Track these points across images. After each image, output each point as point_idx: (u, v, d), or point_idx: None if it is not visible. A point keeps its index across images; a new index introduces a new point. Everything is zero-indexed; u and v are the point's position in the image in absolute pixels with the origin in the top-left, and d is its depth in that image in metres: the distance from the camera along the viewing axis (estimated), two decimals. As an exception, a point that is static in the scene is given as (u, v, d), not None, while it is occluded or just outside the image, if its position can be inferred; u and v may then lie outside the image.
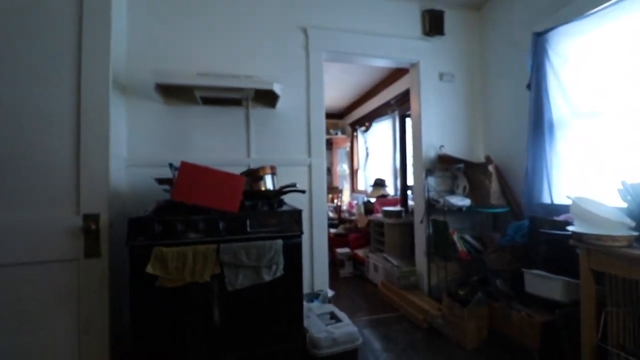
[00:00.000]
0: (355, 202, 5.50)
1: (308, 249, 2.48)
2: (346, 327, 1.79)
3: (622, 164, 1.91)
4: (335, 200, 5.65)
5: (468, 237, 2.63)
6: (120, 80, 2.08)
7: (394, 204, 4.01)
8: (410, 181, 3.77)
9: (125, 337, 1.59)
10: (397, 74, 4.07)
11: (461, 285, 2.43)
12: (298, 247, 1.65)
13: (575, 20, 2.15)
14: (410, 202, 3.70)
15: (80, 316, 1.50)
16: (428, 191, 2.77)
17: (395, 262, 2.97)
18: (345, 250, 3.90)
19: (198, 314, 1.52)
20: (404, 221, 3.34)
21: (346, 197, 6.09)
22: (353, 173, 6.18)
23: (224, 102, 2.30)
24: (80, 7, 1.54)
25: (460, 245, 2.56)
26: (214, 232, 1.53)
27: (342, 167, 6.40)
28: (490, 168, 2.60)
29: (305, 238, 2.44)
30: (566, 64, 2.23)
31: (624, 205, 1.60)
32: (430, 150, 2.83)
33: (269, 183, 1.99)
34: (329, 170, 6.38)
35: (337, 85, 4.79)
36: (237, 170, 2.12)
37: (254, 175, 1.95)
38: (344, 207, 5.46)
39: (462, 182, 2.78)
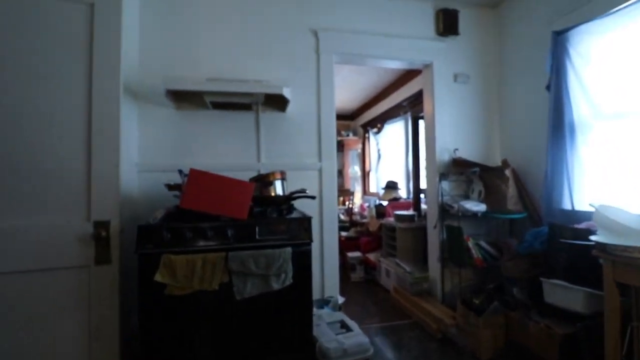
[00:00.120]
0: (367, 204, 5.44)
1: (318, 255, 2.44)
2: (357, 336, 1.75)
3: (649, 169, 1.81)
4: (347, 203, 5.60)
5: (483, 244, 2.55)
6: (132, 86, 2.09)
7: (406, 207, 3.94)
8: (423, 184, 3.70)
9: (134, 341, 1.59)
10: (409, 74, 4.00)
11: (476, 293, 2.36)
12: (307, 255, 1.62)
13: (597, 19, 2.06)
14: (423, 206, 3.63)
15: (91, 322, 1.51)
16: (442, 196, 2.70)
17: (407, 267, 2.90)
18: (357, 254, 3.85)
19: (206, 321, 1.51)
20: (416, 225, 3.27)
21: (358, 199, 6.03)
22: (365, 175, 6.12)
23: (234, 106, 2.29)
24: (91, 15, 1.55)
25: (475, 252, 2.48)
26: (222, 240, 1.52)
27: (354, 169, 6.34)
28: (507, 172, 2.51)
29: (315, 243, 2.40)
30: (588, 64, 2.13)
31: (652, 213, 1.51)
32: (444, 154, 2.76)
33: (278, 188, 1.97)
34: (340, 172, 6.33)
35: (348, 87, 4.75)
36: (247, 175, 2.11)
37: (264, 181, 1.94)
38: (356, 210, 5.41)
39: (478, 187, 2.70)
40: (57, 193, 1.48)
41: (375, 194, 5.31)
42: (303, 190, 1.98)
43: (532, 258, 2.17)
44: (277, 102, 2.32)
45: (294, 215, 1.82)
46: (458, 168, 2.75)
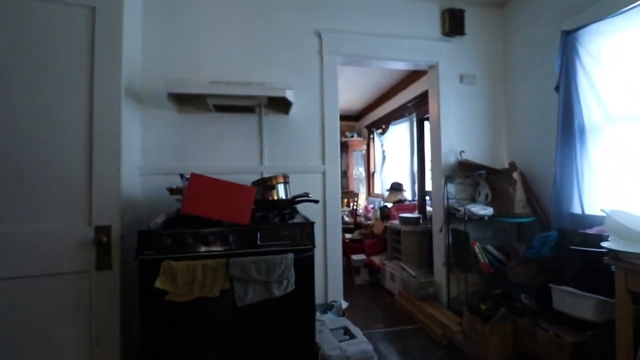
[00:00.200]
0: (371, 206, 5.40)
1: (322, 259, 2.42)
2: (360, 344, 1.71)
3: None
4: (352, 204, 5.57)
5: (490, 248, 2.50)
6: (135, 89, 2.08)
7: (411, 209, 3.90)
8: (428, 186, 3.65)
9: (135, 347, 1.57)
10: (415, 75, 3.95)
11: (483, 298, 2.31)
12: (310, 261, 1.59)
13: (609, 18, 2.00)
14: (429, 208, 3.59)
15: (92, 328, 1.50)
16: (447, 199, 2.65)
17: (412, 271, 2.86)
18: (361, 257, 3.82)
19: (208, 328, 1.49)
20: (421, 229, 3.23)
21: (362, 200, 5.99)
22: (369, 176, 6.07)
23: (237, 109, 2.28)
24: (93, 19, 1.54)
25: (482, 257, 2.43)
26: (223, 245, 1.50)
27: (358, 171, 6.30)
28: (515, 175, 2.46)
29: (319, 247, 2.39)
30: (599, 64, 2.08)
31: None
32: (449, 156, 2.71)
33: (281, 192, 1.94)
34: (345, 174, 6.30)
35: (352, 87, 4.71)
36: (250, 178, 2.10)
37: (266, 185, 1.91)
38: (360, 211, 5.37)
39: (484, 190, 2.64)
40: (58, 198, 1.47)
41: (380, 196, 5.26)
42: (306, 194, 1.95)
43: (541, 263, 2.11)
44: (280, 105, 2.30)
45: (297, 219, 1.79)
46: (464, 170, 2.70)
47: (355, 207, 5.38)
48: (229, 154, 2.33)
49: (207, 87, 1.95)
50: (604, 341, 1.60)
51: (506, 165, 2.68)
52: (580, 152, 2.14)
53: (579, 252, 1.80)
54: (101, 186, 1.52)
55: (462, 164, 2.67)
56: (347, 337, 1.82)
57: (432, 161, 2.90)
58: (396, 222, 3.50)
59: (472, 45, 2.80)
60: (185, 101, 2.23)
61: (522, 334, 2.04)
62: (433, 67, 2.77)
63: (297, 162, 2.43)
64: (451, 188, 2.70)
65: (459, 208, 2.55)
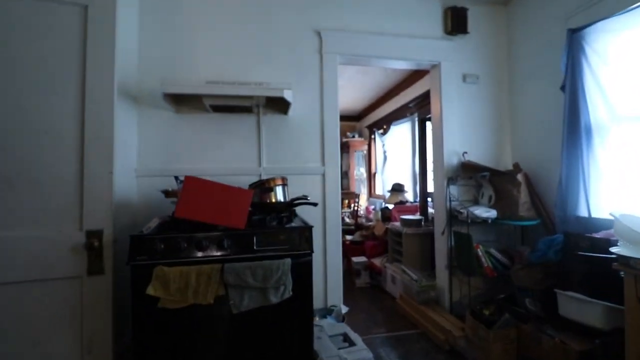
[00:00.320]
0: (372, 207, 5.35)
1: (321, 263, 2.37)
2: (360, 352, 1.67)
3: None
4: (353, 205, 5.52)
5: (494, 252, 2.44)
6: (131, 90, 2.05)
7: (413, 211, 3.85)
8: (430, 188, 3.60)
9: (127, 352, 1.53)
10: (416, 75, 3.90)
11: (486, 303, 2.26)
12: (308, 266, 1.54)
13: (616, 15, 1.94)
14: (431, 210, 3.53)
15: (84, 335, 1.46)
16: (450, 200, 2.60)
17: (414, 275, 2.81)
18: (362, 259, 3.76)
19: (202, 335, 1.45)
20: (423, 231, 3.17)
21: (363, 201, 5.94)
22: (370, 177, 6.02)
23: (235, 109, 2.23)
24: (85, 18, 1.50)
25: (485, 260, 2.38)
26: (218, 250, 1.46)
27: (360, 171, 6.25)
28: (519, 177, 2.40)
29: (318, 251, 2.35)
30: (606, 63, 2.02)
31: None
32: (452, 157, 2.66)
33: (279, 195, 1.90)
34: (346, 174, 6.25)
35: (353, 87, 4.66)
36: (249, 180, 2.05)
37: (264, 187, 1.87)
38: (361, 212, 5.31)
39: (488, 192, 2.59)
40: (48, 201, 1.43)
41: (381, 197, 5.21)
42: (305, 197, 1.91)
43: (546, 268, 2.06)
44: (279, 105, 2.26)
45: (295, 223, 1.75)
46: (467, 172, 2.65)
47: (356, 208, 5.32)
48: (227, 156, 2.29)
49: (203, 87, 1.91)
50: (613, 350, 1.55)
51: (510, 167, 2.62)
52: (586, 153, 2.08)
53: (586, 257, 1.74)
54: (92, 189, 1.48)
55: (465, 165, 2.61)
56: (347, 344, 1.77)
57: (434, 162, 2.84)
58: (397, 223, 3.45)
59: (475, 44, 2.74)
60: (182, 101, 2.20)
61: (526, 340, 1.99)
62: (435, 66, 2.72)
63: (296, 163, 2.39)
64: (453, 190, 2.64)
65: (461, 210, 2.50)
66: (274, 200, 1.86)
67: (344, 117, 6.37)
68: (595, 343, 1.64)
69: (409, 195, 4.38)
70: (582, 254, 1.76)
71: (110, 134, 1.52)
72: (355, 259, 3.75)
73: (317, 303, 2.33)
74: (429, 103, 2.96)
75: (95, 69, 1.50)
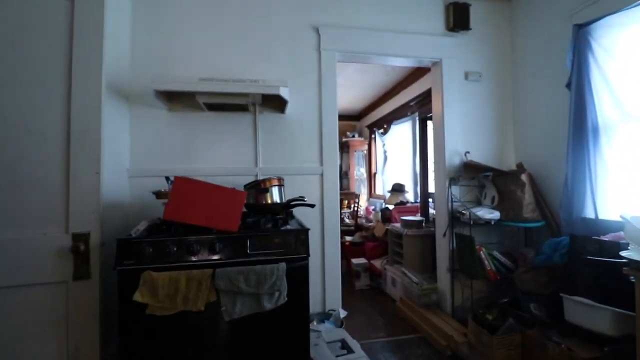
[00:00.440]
0: (372, 207, 5.28)
1: (319, 266, 2.30)
2: (358, 359, 1.60)
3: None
4: (353, 206, 5.45)
5: (497, 254, 2.37)
6: (123, 88, 1.98)
7: (413, 212, 3.78)
8: (431, 188, 3.53)
9: (114, 360, 1.47)
10: (418, 73, 3.83)
11: (489, 307, 2.19)
12: (304, 270, 1.48)
13: (624, 10, 1.87)
14: (432, 211, 3.46)
15: (69, 343, 1.40)
16: (452, 201, 2.53)
17: (414, 278, 2.74)
18: (362, 260, 3.69)
19: (193, 343, 1.38)
20: (424, 232, 3.10)
21: (363, 202, 5.87)
22: (371, 177, 5.95)
23: (230, 107, 2.16)
24: (71, 11, 1.44)
25: (488, 263, 2.31)
26: (210, 255, 1.39)
27: (360, 171, 6.18)
28: (523, 177, 2.33)
29: (316, 253, 2.29)
30: (613, 59, 1.95)
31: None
32: (454, 157, 2.59)
33: (275, 196, 1.83)
34: (346, 174, 6.18)
35: (353, 86, 4.59)
36: (244, 180, 1.99)
37: (259, 188, 1.80)
38: (361, 213, 5.25)
39: (491, 192, 2.52)
40: (32, 203, 1.37)
41: (382, 197, 5.14)
42: (301, 198, 1.84)
43: (551, 271, 1.99)
44: (276, 103, 2.19)
45: (292, 225, 1.68)
46: (469, 172, 2.58)
47: (356, 208, 5.26)
48: (223, 155, 2.23)
49: (196, 84, 1.84)
50: (622, 358, 1.49)
51: (514, 167, 2.55)
52: (593, 153, 2.01)
53: (595, 261, 1.67)
54: (79, 190, 1.42)
55: (467, 165, 2.54)
56: (345, 351, 1.71)
57: (435, 162, 2.77)
58: (398, 224, 3.38)
59: (478, 40, 2.67)
60: (176, 99, 2.13)
61: (531, 345, 1.92)
62: (437, 63, 2.65)
63: (293, 163, 2.32)
64: (455, 190, 2.57)
65: (463, 211, 2.43)
66: (269, 201, 1.79)
67: (343, 117, 6.31)
68: (604, 351, 1.58)
69: (409, 196, 4.31)
70: (591, 258, 1.68)
71: (97, 132, 1.46)
72: (354, 261, 3.68)
73: (315, 307, 2.26)
74: (430, 102, 2.89)
75: (82, 64, 1.45)
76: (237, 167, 2.23)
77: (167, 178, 1.62)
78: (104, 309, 1.45)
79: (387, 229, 3.62)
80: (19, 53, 1.38)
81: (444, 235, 2.57)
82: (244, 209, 1.77)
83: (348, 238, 4.34)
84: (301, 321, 1.47)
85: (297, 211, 2.01)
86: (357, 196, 5.42)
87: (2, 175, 1.32)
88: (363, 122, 6.40)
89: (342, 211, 5.39)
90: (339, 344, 1.77)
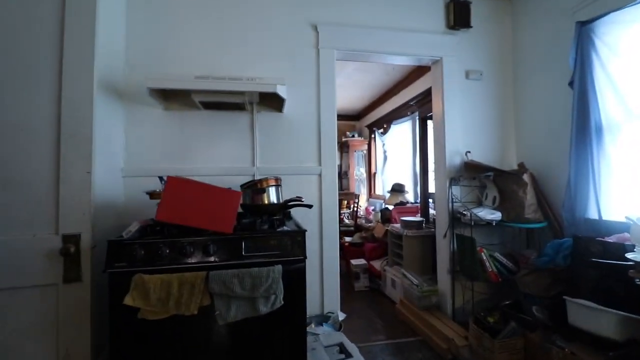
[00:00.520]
0: (372, 208, 5.24)
1: (318, 267, 2.26)
2: (357, 365, 1.56)
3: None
4: (352, 206, 5.41)
5: (498, 256, 2.33)
6: (118, 86, 1.95)
7: (413, 212, 3.74)
8: (431, 188, 3.49)
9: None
10: (418, 72, 3.79)
11: (490, 310, 2.15)
12: (301, 273, 1.44)
13: (628, 6, 1.83)
14: (432, 211, 3.42)
15: (59, 347, 1.36)
16: (452, 202, 2.49)
17: (414, 279, 2.70)
18: (361, 261, 3.65)
19: (185, 347, 1.34)
20: (424, 233, 3.06)
21: (363, 202, 5.83)
22: (370, 177, 5.91)
23: (227, 106, 2.12)
24: (62, 5, 1.41)
25: (489, 265, 2.27)
26: (203, 257, 1.35)
27: (359, 171, 6.14)
28: (525, 177, 2.29)
29: (314, 255, 2.25)
30: (617, 57, 1.91)
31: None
32: (454, 156, 2.55)
33: (272, 196, 1.79)
34: (346, 174, 6.14)
35: (352, 85, 4.55)
36: (241, 180, 1.95)
37: (256, 188, 1.76)
38: (361, 213, 5.21)
39: (492, 193, 2.48)
40: (21, 204, 1.33)
41: (381, 197, 5.10)
42: (299, 198, 1.80)
43: (554, 273, 1.95)
44: (274, 102, 2.15)
45: (289, 226, 1.64)
46: (470, 172, 2.53)
47: (355, 208, 5.22)
48: (219, 155, 2.19)
49: (191, 82, 1.80)
50: (628, 363, 1.44)
51: (515, 167, 2.52)
52: (596, 152, 1.97)
53: (599, 263, 1.63)
54: (70, 190, 1.38)
55: (468, 165, 2.50)
56: (343, 355, 1.67)
57: (435, 162, 2.73)
58: (397, 225, 3.34)
59: (479, 38, 2.63)
60: (171, 98, 2.09)
61: (533, 350, 1.88)
62: (437, 62, 2.61)
63: (292, 163, 2.28)
64: (456, 190, 2.53)
65: (464, 212, 2.39)
66: (266, 202, 1.75)
67: (343, 117, 6.28)
68: (609, 356, 1.53)
69: (409, 196, 4.27)
70: (597, 261, 1.64)
71: (88, 130, 1.43)
72: (354, 262, 3.64)
73: (314, 309, 2.22)
74: (430, 101, 2.85)
75: (73, 60, 1.41)
76: (234, 167, 2.19)
77: (161, 178, 1.58)
78: (96, 313, 1.41)
79: (386, 230, 3.58)
80: (6, 46, 1.34)
81: (445, 236, 2.53)
82: (240, 210, 1.74)
83: (347, 239, 4.30)
84: (298, 325, 1.43)
85: (295, 212, 1.97)
86: (357, 196, 5.38)
87: (-8, 174, 1.28)
88: (363, 122, 6.36)
89: (342, 211, 5.35)
90: (337, 348, 1.73)
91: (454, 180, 2.52)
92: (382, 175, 5.40)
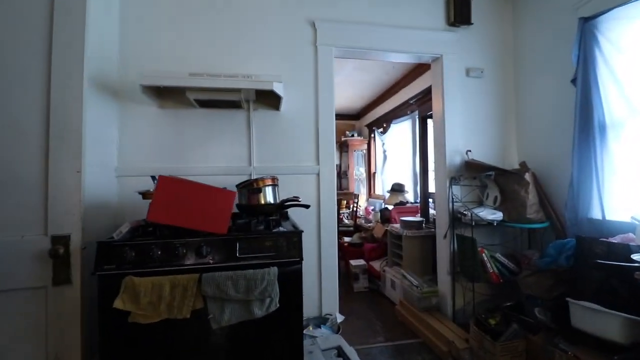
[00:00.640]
0: (372, 207, 5.20)
1: (316, 268, 2.22)
2: (355, 369, 1.52)
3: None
4: (352, 206, 5.37)
5: (500, 257, 2.29)
6: (111, 83, 1.91)
7: (413, 212, 3.70)
8: (432, 188, 3.45)
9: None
10: (417, 70, 3.75)
11: (491, 311, 2.11)
12: (297, 275, 1.40)
13: (632, 1, 1.80)
14: (432, 211, 3.38)
15: (49, 352, 1.32)
16: (452, 202, 2.45)
17: (414, 280, 2.66)
18: (360, 262, 3.61)
19: (179, 353, 1.30)
20: (424, 233, 3.02)
21: (363, 202, 5.79)
22: (370, 177, 5.87)
23: (223, 104, 2.08)
24: (51, 6, 1.36)
25: (490, 266, 2.23)
26: (196, 259, 1.31)
27: (359, 171, 6.10)
28: (527, 176, 2.25)
29: (312, 256, 2.21)
30: (621, 53, 1.87)
31: None
32: (455, 156, 2.51)
33: (269, 196, 1.75)
34: (345, 174, 6.10)
35: (352, 84, 4.51)
36: (238, 180, 1.91)
37: (252, 187, 1.72)
38: (360, 213, 5.17)
39: (493, 192, 2.44)
40: (8, 203, 1.29)
41: (381, 197, 5.06)
42: (296, 198, 1.77)
43: (557, 274, 1.92)
44: (271, 100, 2.11)
45: (286, 226, 1.61)
46: (471, 171, 2.50)
47: (355, 208, 5.18)
48: (215, 154, 2.15)
49: (185, 79, 1.76)
50: (633, 367, 1.41)
51: (517, 166, 2.48)
52: (600, 150, 1.94)
53: (603, 264, 1.59)
54: (59, 190, 1.34)
55: (469, 164, 2.46)
56: (341, 359, 1.63)
57: (435, 161, 2.69)
58: (397, 225, 3.30)
59: (479, 35, 2.59)
60: (166, 96, 2.06)
61: (535, 352, 1.84)
62: (437, 59, 2.57)
63: (289, 162, 2.24)
64: (456, 190, 2.49)
65: (465, 212, 2.35)
66: (262, 202, 1.71)
67: (342, 116, 6.24)
68: (614, 359, 1.49)
69: (409, 196, 4.23)
70: (601, 262, 1.60)
71: (78, 128, 1.38)
72: (353, 262, 3.60)
73: (311, 311, 2.19)
74: (430, 99, 2.81)
75: (63, 56, 1.37)
76: (230, 166, 2.15)
77: (153, 177, 1.54)
78: (86, 317, 1.37)
79: (386, 230, 3.54)
80: (-6, 45, 1.30)
81: (445, 236, 2.49)
82: (236, 210, 1.70)
83: (347, 239, 4.26)
84: (294, 328, 1.39)
85: (292, 212, 1.93)
86: (356, 196, 5.34)
87: (-25, 174, 1.24)
88: (362, 121, 6.32)
89: (341, 211, 5.31)
90: (335, 352, 1.69)
91: (454, 180, 2.48)
92: (381, 175, 5.36)
